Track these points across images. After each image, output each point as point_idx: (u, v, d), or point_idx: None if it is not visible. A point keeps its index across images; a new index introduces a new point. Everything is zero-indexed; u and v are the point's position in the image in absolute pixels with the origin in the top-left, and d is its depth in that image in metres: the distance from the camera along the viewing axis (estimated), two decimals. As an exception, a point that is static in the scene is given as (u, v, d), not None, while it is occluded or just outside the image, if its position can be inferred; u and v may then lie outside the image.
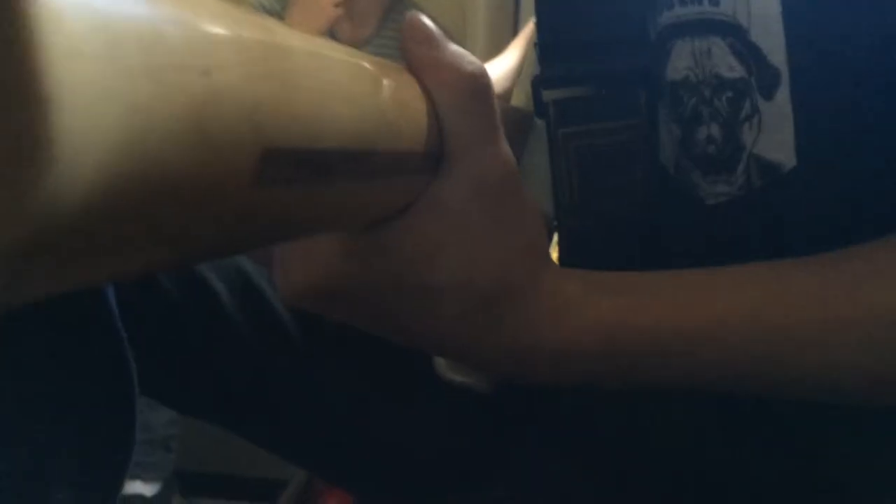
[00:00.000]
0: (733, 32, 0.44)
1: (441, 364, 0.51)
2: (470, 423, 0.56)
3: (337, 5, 1.68)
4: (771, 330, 0.37)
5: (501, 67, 0.73)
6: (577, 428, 0.51)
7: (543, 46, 0.52)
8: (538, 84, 0.52)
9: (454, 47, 0.34)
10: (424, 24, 0.33)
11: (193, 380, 0.58)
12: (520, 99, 0.59)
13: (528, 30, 0.77)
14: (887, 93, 0.40)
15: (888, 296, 0.37)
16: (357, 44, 1.81)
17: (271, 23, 0.21)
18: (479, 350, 0.37)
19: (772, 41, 0.43)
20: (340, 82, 0.24)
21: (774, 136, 0.44)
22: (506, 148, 0.35)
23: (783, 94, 0.43)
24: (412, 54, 0.33)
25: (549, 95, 0.51)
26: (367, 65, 0.28)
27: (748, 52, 0.44)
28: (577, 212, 0.51)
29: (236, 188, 0.19)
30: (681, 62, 0.48)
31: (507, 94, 0.69)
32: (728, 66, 0.45)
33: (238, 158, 0.18)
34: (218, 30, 0.18)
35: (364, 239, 0.34)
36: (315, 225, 0.28)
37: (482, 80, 0.33)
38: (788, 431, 0.46)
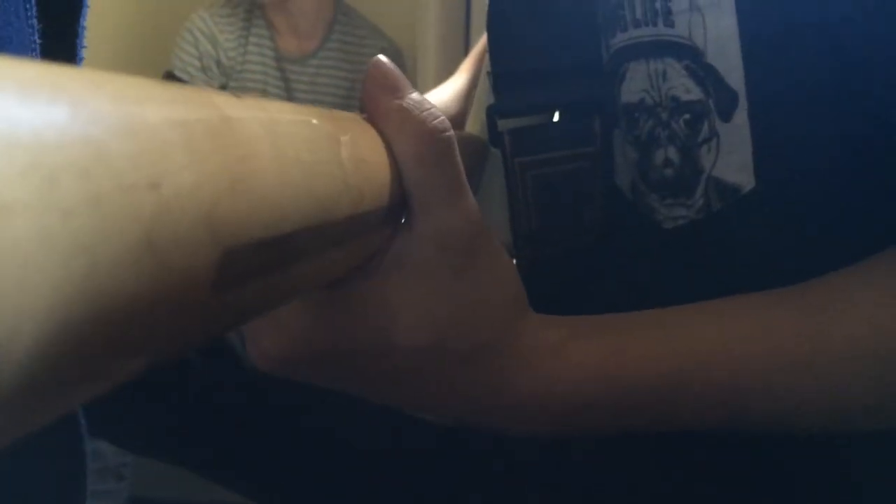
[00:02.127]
0: (689, 54, 0.44)
1: None
2: (435, 456, 0.55)
3: None
4: (754, 366, 0.37)
5: (450, 90, 0.72)
6: (545, 460, 0.50)
7: (497, 76, 0.52)
8: (493, 113, 0.51)
9: (418, 97, 0.32)
10: (391, 71, 0.32)
11: (147, 421, 0.57)
12: (475, 128, 0.58)
13: (476, 50, 0.77)
14: (845, 112, 0.40)
15: (871, 327, 0.36)
16: (302, 58, 1.80)
17: (218, 97, 0.19)
18: (461, 407, 0.36)
19: (729, 63, 0.42)
20: (297, 154, 0.22)
21: (733, 158, 0.43)
22: (472, 202, 0.34)
23: (741, 116, 0.42)
24: (376, 103, 0.32)
25: (504, 125, 0.51)
26: (321, 123, 0.26)
27: (705, 74, 0.43)
28: (535, 241, 0.50)
29: (196, 296, 0.17)
30: (635, 84, 0.48)
31: (458, 118, 0.68)
32: (685, 88, 0.45)
33: (197, 268, 0.16)
34: (165, 128, 0.16)
35: (329, 303, 0.33)
36: (282, 302, 0.26)
37: (446, 133, 0.32)
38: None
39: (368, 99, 0.32)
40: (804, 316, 0.37)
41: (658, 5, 0.45)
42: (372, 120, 0.32)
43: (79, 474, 0.42)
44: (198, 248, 0.16)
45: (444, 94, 0.72)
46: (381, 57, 0.33)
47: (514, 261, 0.53)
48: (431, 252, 0.33)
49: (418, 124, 0.32)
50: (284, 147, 0.21)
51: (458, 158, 0.33)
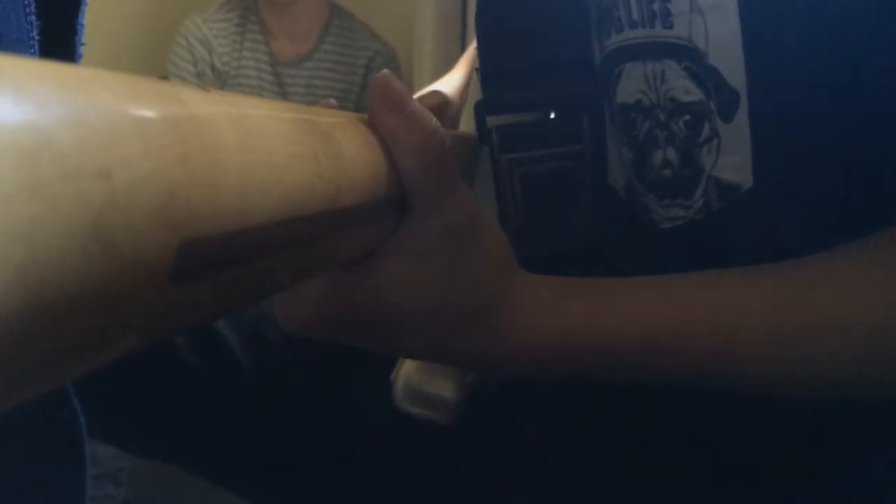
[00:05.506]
0: (689, 56, 0.44)
1: (399, 397, 0.50)
2: (427, 455, 0.55)
3: None
4: (729, 334, 0.38)
5: (446, 88, 0.72)
6: (536, 461, 0.50)
7: (486, 72, 0.52)
8: (481, 110, 0.52)
9: (417, 108, 0.35)
10: (396, 89, 0.34)
11: (145, 421, 0.57)
12: (468, 125, 0.59)
13: (472, 48, 0.77)
14: (845, 110, 0.40)
15: (844, 301, 0.37)
16: (297, 61, 1.80)
17: (185, 90, 0.19)
18: (461, 356, 0.40)
19: (731, 64, 0.42)
20: (267, 147, 0.22)
21: (733, 158, 0.43)
22: (467, 194, 0.37)
23: (742, 116, 0.42)
24: (379, 117, 0.34)
25: (492, 121, 0.51)
26: (297, 119, 0.26)
27: (706, 75, 0.43)
28: (524, 238, 0.51)
29: (153, 288, 0.17)
30: (632, 85, 0.48)
31: (454, 115, 0.68)
32: (684, 89, 0.45)
33: (151, 259, 0.16)
34: (119, 118, 0.15)
35: (345, 281, 0.37)
36: (259, 296, 0.26)
37: (442, 139, 0.35)
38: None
39: (373, 111, 0.35)
40: (782, 288, 0.39)
41: (656, 7, 0.45)
42: (375, 126, 0.34)
43: (79, 480, 0.42)
44: (152, 239, 0.16)
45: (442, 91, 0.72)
46: (389, 72, 0.36)
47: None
48: (434, 242, 0.36)
49: (418, 133, 0.34)
50: (252, 141, 0.21)
51: (453, 159, 0.36)
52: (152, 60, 1.85)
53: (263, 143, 0.22)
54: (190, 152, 0.18)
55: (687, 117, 0.45)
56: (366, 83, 1.83)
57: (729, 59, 0.42)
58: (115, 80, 0.17)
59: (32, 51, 0.33)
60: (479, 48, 0.52)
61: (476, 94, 0.55)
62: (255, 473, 0.58)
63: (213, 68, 1.78)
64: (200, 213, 0.18)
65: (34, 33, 0.32)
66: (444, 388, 0.49)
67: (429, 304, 0.37)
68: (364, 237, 0.33)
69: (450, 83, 0.73)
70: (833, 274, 0.38)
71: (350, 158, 0.29)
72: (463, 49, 1.60)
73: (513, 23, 0.52)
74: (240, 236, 0.20)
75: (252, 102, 0.24)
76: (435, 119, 0.35)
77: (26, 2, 0.32)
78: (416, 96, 0.71)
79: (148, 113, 0.17)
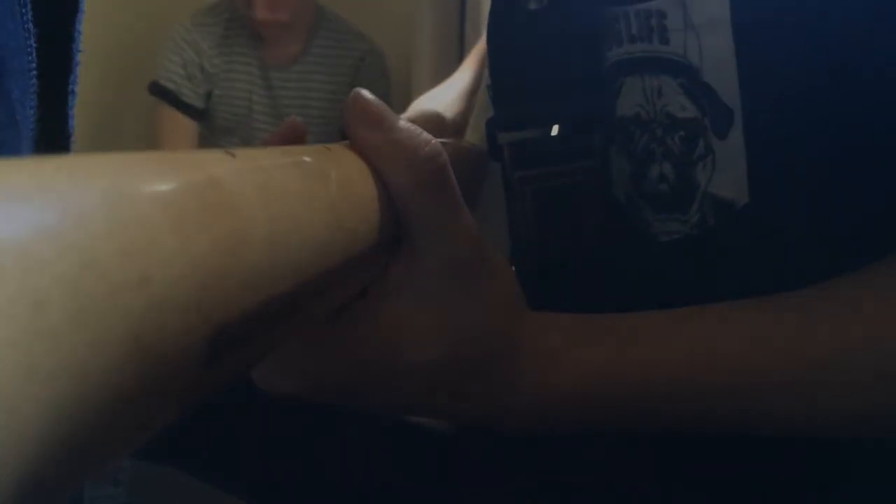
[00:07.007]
0: (684, 72, 0.44)
1: None
2: (426, 461, 0.55)
3: None
4: (753, 372, 0.36)
5: (454, 90, 0.71)
6: (536, 466, 0.50)
7: (497, 89, 0.52)
8: (493, 126, 0.51)
9: (405, 126, 0.31)
10: (371, 104, 0.31)
11: None
12: (475, 137, 0.58)
13: (478, 49, 0.76)
14: (839, 128, 0.40)
15: (872, 337, 0.36)
16: (286, 65, 1.80)
17: (211, 159, 0.18)
18: (467, 413, 0.37)
19: (725, 81, 0.42)
20: (292, 209, 0.21)
21: (728, 175, 0.43)
22: (469, 219, 0.34)
23: (736, 133, 0.42)
24: (360, 138, 0.31)
25: (503, 138, 0.50)
26: (310, 161, 0.25)
27: (700, 91, 0.43)
28: (535, 254, 0.50)
29: (187, 378, 0.16)
30: (631, 99, 0.47)
31: (461, 118, 0.67)
32: (680, 105, 0.44)
33: (187, 353, 0.15)
34: (154, 212, 0.14)
35: (336, 335, 0.33)
36: (274, 350, 0.26)
37: (440, 159, 0.32)
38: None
39: (353, 134, 0.31)
40: (808, 324, 0.37)
41: (653, 22, 0.45)
42: (360, 153, 0.31)
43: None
44: (188, 334, 0.15)
45: (447, 95, 0.71)
46: (360, 90, 0.32)
47: (514, 270, 0.53)
48: (436, 275, 0.33)
49: (411, 155, 0.31)
50: (277, 206, 0.21)
51: (454, 179, 0.33)
52: (144, 65, 1.85)
53: (288, 206, 0.21)
54: (221, 234, 0.17)
55: (682, 133, 0.45)
56: (356, 84, 1.83)
57: (722, 76, 0.42)
58: (142, 163, 0.16)
59: (30, 58, 0.33)
60: (490, 65, 0.52)
61: (486, 110, 0.54)
62: (254, 476, 0.57)
63: (202, 71, 1.78)
64: (233, 295, 0.17)
65: (31, 41, 0.32)
66: None
67: (437, 351, 0.33)
68: (370, 273, 0.32)
69: (453, 87, 0.72)
70: (861, 307, 0.37)
71: (361, 197, 0.28)
72: (461, 48, 1.59)
73: (524, 39, 0.51)
74: (269, 304, 0.19)
75: (271, 155, 0.23)
76: (424, 132, 0.32)
77: (23, 10, 0.32)
78: (405, 114, 0.70)
79: (180, 198, 0.16)
